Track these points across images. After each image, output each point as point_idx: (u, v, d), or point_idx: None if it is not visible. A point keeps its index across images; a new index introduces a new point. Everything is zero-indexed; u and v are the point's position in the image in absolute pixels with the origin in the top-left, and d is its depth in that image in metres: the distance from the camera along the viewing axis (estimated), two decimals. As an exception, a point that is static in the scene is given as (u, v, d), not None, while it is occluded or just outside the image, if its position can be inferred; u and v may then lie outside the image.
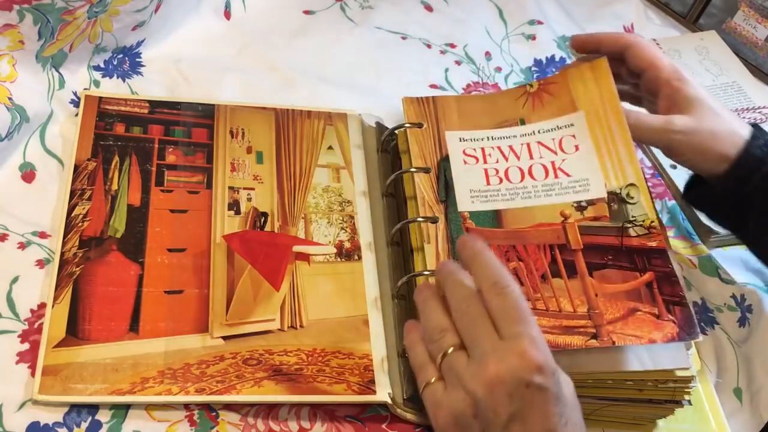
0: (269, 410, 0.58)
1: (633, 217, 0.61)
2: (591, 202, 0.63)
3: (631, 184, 0.62)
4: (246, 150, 0.70)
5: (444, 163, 0.66)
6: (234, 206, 0.67)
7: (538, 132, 0.67)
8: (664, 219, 0.78)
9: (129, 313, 0.59)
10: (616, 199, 0.62)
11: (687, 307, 0.57)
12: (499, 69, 0.89)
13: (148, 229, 0.63)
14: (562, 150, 0.66)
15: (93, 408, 0.55)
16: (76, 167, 0.65)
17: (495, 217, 0.63)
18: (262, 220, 0.67)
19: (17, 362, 0.56)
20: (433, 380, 0.50)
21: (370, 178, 0.71)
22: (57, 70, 0.71)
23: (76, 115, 0.69)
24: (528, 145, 0.66)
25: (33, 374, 0.55)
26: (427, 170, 0.66)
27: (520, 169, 0.65)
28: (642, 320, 0.56)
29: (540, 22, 0.95)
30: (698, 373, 0.65)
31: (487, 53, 0.90)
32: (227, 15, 0.84)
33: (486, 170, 0.65)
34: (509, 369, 0.46)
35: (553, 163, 0.65)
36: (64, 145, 0.68)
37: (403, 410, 0.58)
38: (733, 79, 0.89)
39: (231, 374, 0.57)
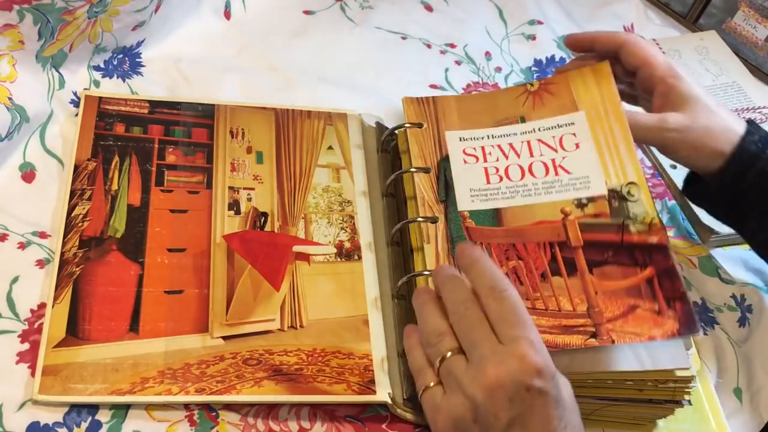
0: (269, 410, 0.58)
1: (634, 214, 0.61)
2: (591, 199, 0.62)
3: (632, 183, 0.62)
4: (246, 150, 0.70)
5: (444, 163, 0.66)
6: (234, 206, 0.67)
7: (539, 130, 0.67)
8: (664, 219, 0.78)
9: (129, 313, 0.59)
10: (617, 196, 0.62)
11: (687, 302, 0.57)
12: (499, 69, 0.89)
13: (148, 229, 0.63)
14: (563, 148, 0.66)
15: (93, 408, 0.55)
16: (76, 167, 0.65)
17: (495, 216, 0.63)
18: (262, 220, 0.67)
19: (17, 362, 0.56)
20: (431, 384, 0.50)
21: (370, 178, 0.71)
22: (57, 70, 0.71)
23: (76, 115, 0.69)
24: (528, 142, 0.66)
25: (33, 374, 0.55)
26: (427, 170, 0.66)
27: (521, 167, 0.65)
28: (642, 317, 0.56)
29: (540, 22, 0.95)
30: (698, 373, 0.65)
31: (487, 53, 0.90)
32: (227, 15, 0.84)
33: (486, 169, 0.65)
34: (509, 373, 0.46)
35: (553, 160, 0.65)
36: (64, 145, 0.68)
37: (403, 410, 0.58)
38: (733, 79, 0.89)
39: (231, 374, 0.57)
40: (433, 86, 0.84)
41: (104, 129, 0.68)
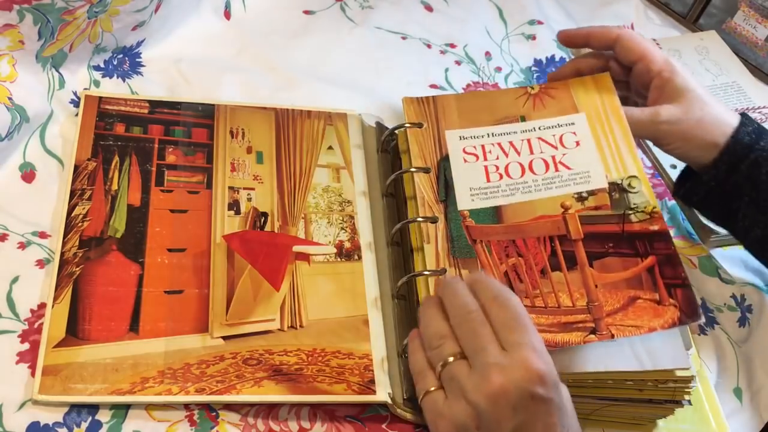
0: (269, 410, 0.58)
1: (635, 204, 0.61)
2: (592, 193, 0.63)
3: (633, 176, 0.62)
4: (246, 150, 0.70)
5: (444, 162, 0.66)
6: (234, 206, 0.67)
7: (539, 128, 0.67)
8: (664, 219, 0.78)
9: (129, 313, 0.59)
10: (618, 188, 0.62)
11: (689, 288, 0.57)
12: (499, 69, 0.89)
13: (148, 229, 0.63)
14: (563, 145, 0.66)
15: (93, 408, 0.55)
16: (76, 167, 0.65)
17: (495, 214, 0.63)
18: (262, 220, 0.67)
19: (17, 362, 0.56)
20: (432, 389, 0.50)
21: (370, 178, 0.71)
22: (57, 70, 0.71)
23: (76, 115, 0.69)
24: (528, 140, 0.67)
25: (33, 374, 0.55)
26: (427, 170, 0.66)
27: (521, 165, 0.65)
28: (642, 308, 0.56)
29: (540, 22, 0.95)
30: (698, 373, 0.65)
31: (487, 53, 0.90)
32: (227, 15, 0.84)
33: (486, 167, 0.65)
34: (513, 380, 0.46)
35: (553, 157, 0.65)
36: (64, 145, 0.68)
37: (403, 410, 0.58)
38: (733, 79, 0.89)
39: (231, 374, 0.57)
40: (433, 86, 0.84)
41: (104, 129, 0.68)
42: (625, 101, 0.71)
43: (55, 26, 0.66)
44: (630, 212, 0.61)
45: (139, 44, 0.77)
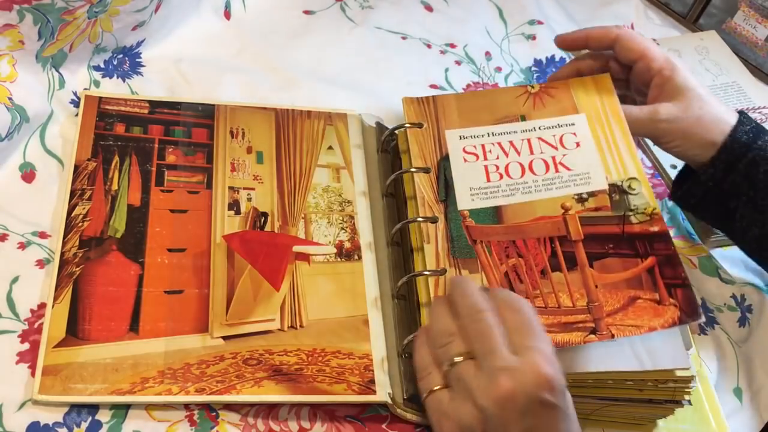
0: (269, 410, 0.58)
1: (635, 205, 0.61)
2: (592, 194, 0.63)
3: (633, 178, 0.62)
4: (246, 150, 0.70)
5: (444, 162, 0.66)
6: (234, 206, 0.67)
7: (539, 128, 0.67)
8: (664, 219, 0.78)
9: (129, 313, 0.59)
10: (618, 190, 0.62)
11: (689, 288, 0.57)
12: (499, 69, 0.89)
13: (148, 229, 0.63)
14: (563, 146, 0.66)
15: (93, 408, 0.55)
16: (76, 167, 0.65)
17: (495, 214, 0.63)
18: (262, 220, 0.67)
19: (17, 362, 0.56)
20: (437, 388, 0.50)
21: (370, 178, 0.71)
22: (57, 70, 0.71)
23: (76, 115, 0.69)
24: (528, 140, 0.67)
25: (33, 374, 0.55)
26: (427, 170, 0.66)
27: (521, 165, 0.65)
28: (642, 308, 0.56)
29: (540, 22, 0.95)
30: (698, 373, 0.65)
31: (487, 53, 0.90)
32: (227, 15, 0.84)
33: (486, 167, 0.65)
34: (522, 385, 0.45)
35: (553, 157, 0.65)
36: (64, 145, 0.68)
37: (403, 410, 0.58)
38: (733, 79, 0.89)
39: (231, 374, 0.57)
40: (433, 86, 0.84)
41: (104, 129, 0.68)
42: (624, 99, 0.71)
43: (55, 26, 0.66)
44: (630, 213, 0.61)
45: (139, 44, 0.77)
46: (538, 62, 0.91)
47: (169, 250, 0.63)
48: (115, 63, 0.75)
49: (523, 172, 0.65)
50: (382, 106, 0.78)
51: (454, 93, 0.83)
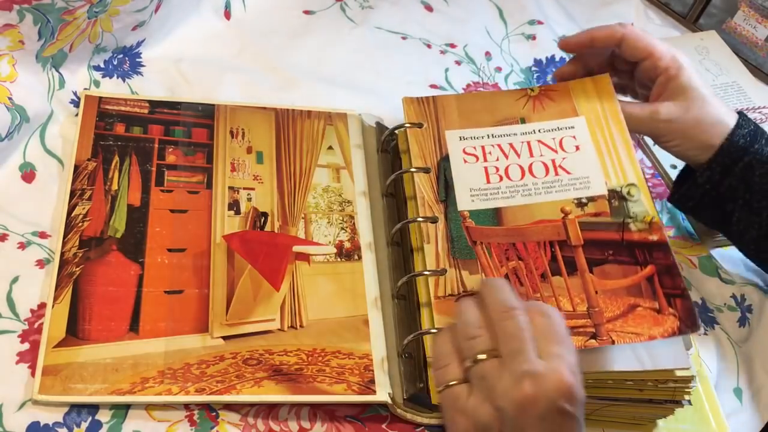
0: (269, 410, 0.58)
1: (634, 213, 0.61)
2: (591, 199, 0.63)
3: (632, 184, 0.62)
4: (246, 150, 0.70)
5: (444, 162, 0.66)
6: (234, 206, 0.67)
7: (539, 131, 0.67)
8: (664, 219, 0.78)
9: (129, 313, 0.59)
10: (617, 196, 0.62)
11: (688, 299, 0.57)
12: (499, 69, 0.89)
13: (148, 229, 0.63)
14: (563, 149, 0.66)
15: (93, 408, 0.55)
16: (76, 167, 0.65)
17: (495, 216, 0.63)
18: (262, 220, 0.67)
19: (17, 362, 0.56)
20: (455, 383, 0.49)
21: (370, 178, 0.71)
22: (57, 70, 0.71)
23: (76, 115, 0.69)
24: (528, 143, 0.67)
25: (33, 374, 0.55)
26: (427, 170, 0.66)
27: (521, 167, 0.65)
28: (642, 316, 0.56)
29: (540, 22, 0.95)
30: (698, 373, 0.65)
31: (487, 53, 0.90)
32: (227, 15, 0.84)
33: (486, 168, 0.65)
34: (545, 392, 0.45)
35: (553, 161, 0.65)
36: (64, 145, 0.68)
37: (403, 410, 0.58)
38: (733, 79, 0.89)
39: (231, 374, 0.57)
40: (433, 86, 0.84)
41: (104, 129, 0.68)
42: (626, 89, 0.71)
43: (55, 26, 0.66)
44: (629, 221, 0.61)
45: (139, 44, 0.77)
46: (538, 62, 0.91)
47: (169, 250, 0.63)
48: (115, 63, 0.75)
49: (523, 175, 0.65)
50: (382, 106, 0.78)
51: (455, 93, 0.83)
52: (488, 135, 0.67)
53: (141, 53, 0.77)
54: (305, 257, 0.65)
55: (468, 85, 0.85)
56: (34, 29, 0.65)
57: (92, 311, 0.58)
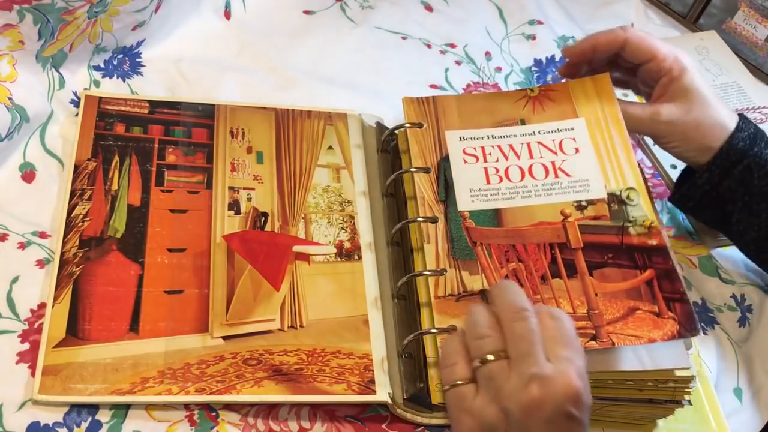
0: (269, 410, 0.58)
1: (633, 217, 0.61)
2: (591, 202, 0.63)
3: (631, 188, 0.62)
4: (246, 150, 0.70)
5: (444, 162, 0.66)
6: (234, 206, 0.67)
7: (539, 132, 0.67)
8: (664, 219, 0.78)
9: (129, 313, 0.59)
10: (616, 200, 0.62)
11: (687, 303, 0.57)
12: (499, 69, 0.89)
13: (148, 229, 0.63)
14: (563, 151, 0.66)
15: (93, 408, 0.55)
16: (76, 167, 0.65)
17: (495, 217, 0.63)
18: (262, 220, 0.67)
19: (17, 362, 0.56)
20: (461, 382, 0.48)
21: (370, 178, 0.71)
22: (57, 70, 0.71)
23: (76, 115, 0.69)
24: (528, 144, 0.67)
25: (33, 374, 0.55)
26: (427, 170, 0.66)
27: (521, 168, 0.65)
28: (642, 319, 0.57)
29: (540, 22, 0.95)
30: (698, 373, 0.65)
31: (487, 53, 0.90)
32: (227, 15, 0.84)
33: (486, 169, 0.66)
34: (552, 395, 0.45)
35: (553, 163, 0.65)
36: (64, 145, 0.68)
37: (403, 410, 0.58)
38: (733, 79, 0.89)
39: (231, 374, 0.57)
40: (433, 86, 0.84)
41: (104, 129, 0.68)
42: (627, 85, 0.71)
43: (55, 26, 0.66)
44: (629, 225, 0.61)
45: (139, 44, 0.77)
46: (538, 62, 0.91)
47: (169, 250, 0.63)
48: (115, 63, 0.75)
49: (523, 176, 0.65)
50: (382, 106, 0.78)
51: (455, 94, 0.83)
52: (488, 136, 0.67)
53: (141, 53, 0.77)
54: (305, 257, 0.65)
55: (468, 85, 0.85)
56: (34, 29, 0.65)
57: (92, 311, 0.58)
